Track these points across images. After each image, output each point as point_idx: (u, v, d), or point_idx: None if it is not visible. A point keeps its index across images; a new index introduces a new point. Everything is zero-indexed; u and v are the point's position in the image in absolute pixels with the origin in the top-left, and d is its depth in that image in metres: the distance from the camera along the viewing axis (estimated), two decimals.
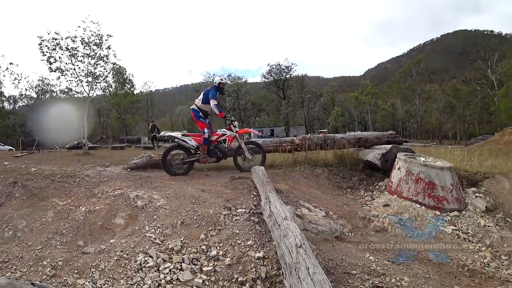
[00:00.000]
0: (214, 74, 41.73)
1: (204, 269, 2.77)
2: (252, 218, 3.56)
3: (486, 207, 4.49)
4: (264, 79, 40.59)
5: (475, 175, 5.38)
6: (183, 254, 2.92)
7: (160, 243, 3.10)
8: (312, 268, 2.30)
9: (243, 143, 5.73)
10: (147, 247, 3.00)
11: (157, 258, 2.85)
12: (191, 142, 5.60)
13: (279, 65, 39.38)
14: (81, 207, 3.83)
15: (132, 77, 36.28)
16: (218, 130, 5.75)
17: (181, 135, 5.68)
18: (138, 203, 3.84)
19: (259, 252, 2.92)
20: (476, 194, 4.80)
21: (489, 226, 4.10)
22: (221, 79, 5.75)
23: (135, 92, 37.86)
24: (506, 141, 10.14)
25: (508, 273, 3.28)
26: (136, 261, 2.83)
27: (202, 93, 5.78)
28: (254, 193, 4.30)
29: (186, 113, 49.24)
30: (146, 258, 2.86)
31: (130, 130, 40.79)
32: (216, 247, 3.04)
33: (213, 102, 5.51)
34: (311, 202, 4.38)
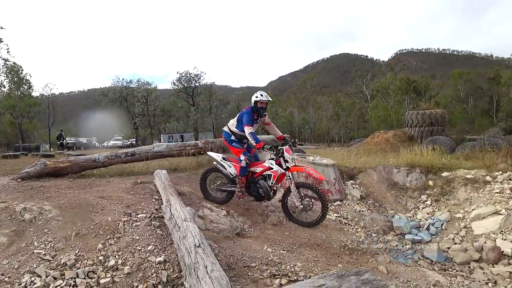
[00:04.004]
0: (123, 79, 38.25)
1: (102, 281, 2.52)
2: (153, 222, 3.39)
3: (360, 195, 5.37)
4: (174, 86, 39.41)
5: (353, 170, 6.38)
6: (78, 268, 2.62)
7: (51, 259, 2.74)
8: (210, 266, 2.30)
9: (293, 185, 4.16)
10: (34, 266, 2.60)
11: (47, 277, 2.49)
12: (230, 169, 4.43)
13: (188, 73, 38.90)
14: None
15: (30, 77, 29.73)
16: (267, 161, 4.30)
17: (222, 158, 4.56)
18: (26, 216, 3.30)
19: (160, 257, 2.81)
20: (353, 186, 5.69)
21: (362, 211, 4.90)
22: (256, 96, 4.39)
23: (33, 94, 31.35)
24: (375, 142, 12.47)
25: (377, 247, 3.97)
26: (20, 284, 2.42)
27: (237, 116, 4.60)
28: (156, 197, 4.11)
29: (93, 118, 43.56)
30: (33, 279, 2.47)
31: (28, 136, 33.70)
32: (115, 256, 2.81)
33: (248, 130, 4.18)
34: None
